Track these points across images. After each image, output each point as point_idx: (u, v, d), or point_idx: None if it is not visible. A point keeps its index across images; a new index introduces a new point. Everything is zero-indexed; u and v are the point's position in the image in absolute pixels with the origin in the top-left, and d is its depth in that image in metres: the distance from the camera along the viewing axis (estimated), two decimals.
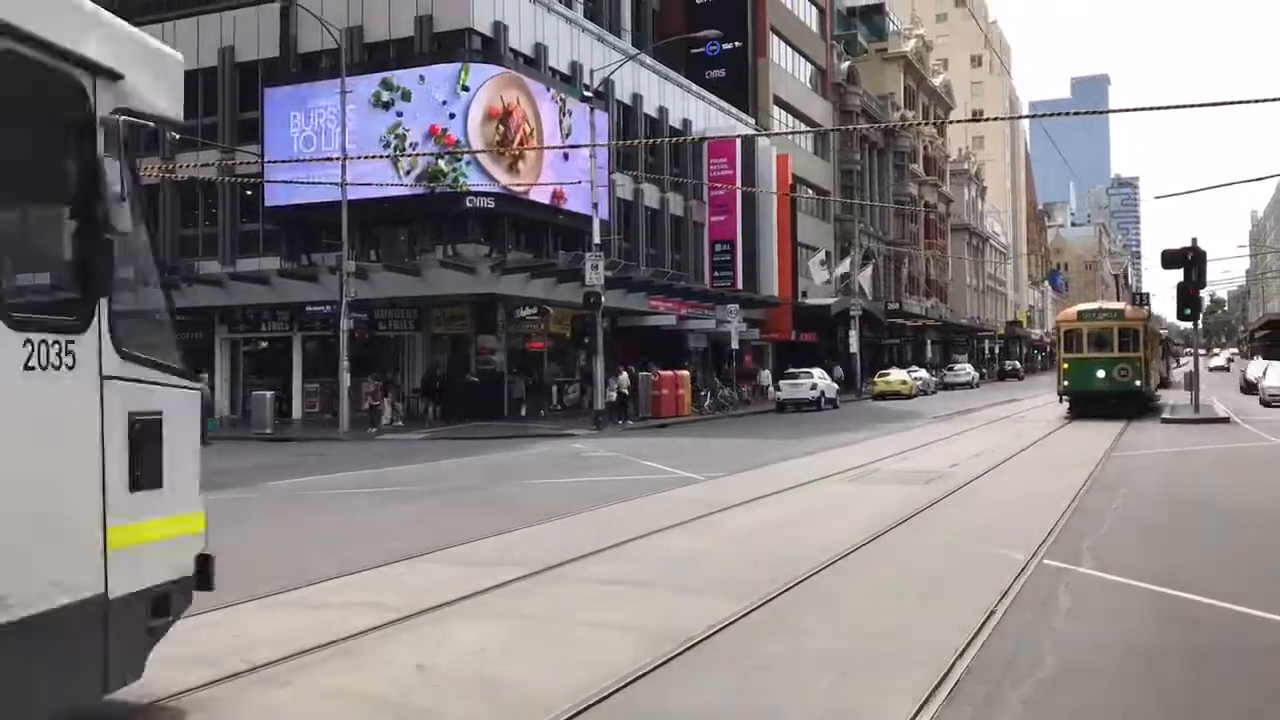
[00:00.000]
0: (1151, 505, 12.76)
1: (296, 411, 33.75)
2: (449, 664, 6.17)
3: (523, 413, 32.56)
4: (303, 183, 30.81)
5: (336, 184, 28.64)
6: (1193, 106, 16.73)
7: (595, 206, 30.70)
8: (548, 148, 32.43)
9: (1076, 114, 23.32)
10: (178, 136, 34.06)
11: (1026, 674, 5.89)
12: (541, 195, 33.26)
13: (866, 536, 10.21)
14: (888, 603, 7.74)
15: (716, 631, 6.81)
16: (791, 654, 6.38)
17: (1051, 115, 24.02)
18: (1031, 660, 6.14)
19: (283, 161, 31.57)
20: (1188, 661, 6.23)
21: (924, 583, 8.41)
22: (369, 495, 15.16)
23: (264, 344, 36.30)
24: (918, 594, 8.02)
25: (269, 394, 30.27)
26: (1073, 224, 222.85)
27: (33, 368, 4.07)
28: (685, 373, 35.90)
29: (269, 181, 32.87)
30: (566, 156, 33.77)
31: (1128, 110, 16.49)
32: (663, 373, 33.94)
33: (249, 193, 34.78)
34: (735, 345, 40.30)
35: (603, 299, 29.76)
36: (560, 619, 7.30)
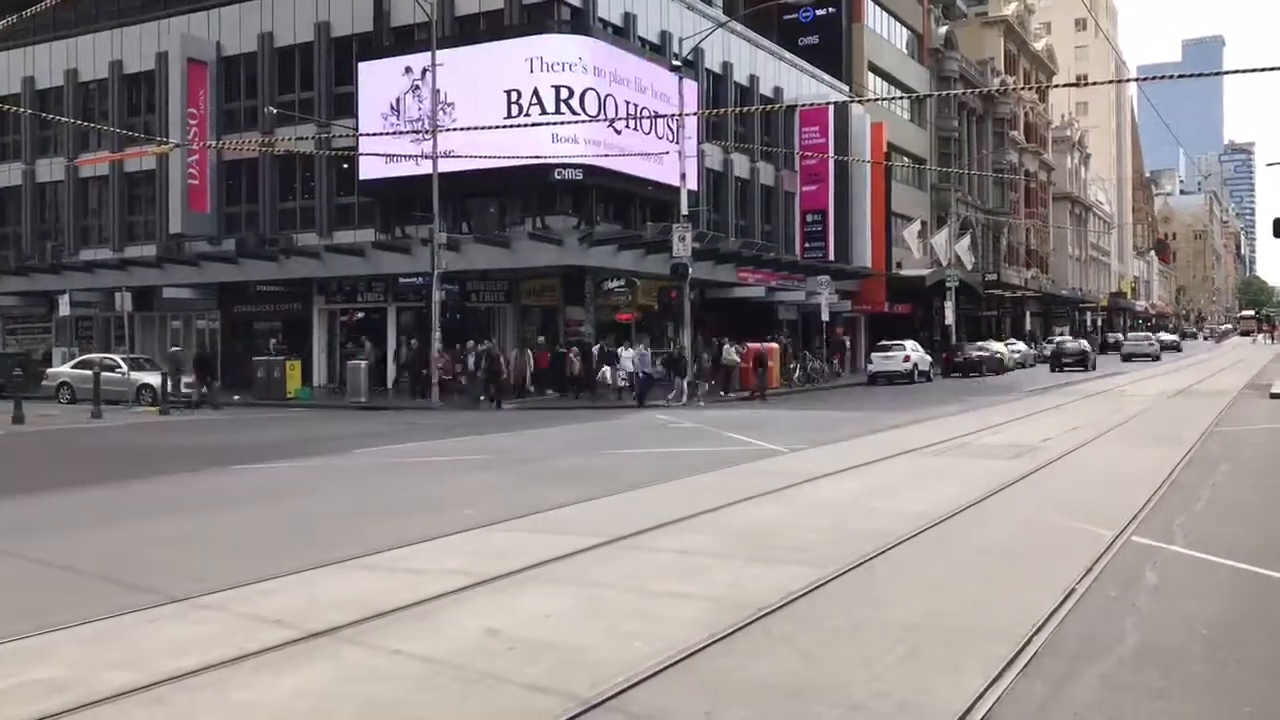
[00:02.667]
0: (1252, 482, 12.29)
1: (391, 380, 34.38)
2: (518, 630, 6.22)
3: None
4: (394, 155, 31.24)
5: (426, 156, 28.98)
6: None
7: (683, 177, 30.54)
8: (637, 117, 32.32)
9: (1184, 76, 22.40)
10: (275, 111, 34.91)
11: (1106, 651, 5.73)
12: (630, 166, 33.17)
13: (949, 511, 10.02)
14: (967, 577, 7.59)
15: (790, 602, 6.76)
16: (864, 626, 6.31)
17: (1158, 78, 23.05)
18: (1112, 637, 5.98)
19: (376, 135, 32.01)
20: (1277, 642, 5.99)
21: (1005, 558, 8.24)
22: (452, 463, 15.37)
23: (360, 314, 37.00)
24: (998, 569, 7.87)
25: (364, 363, 30.89)
26: (1181, 192, 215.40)
27: None
28: (774, 345, 35.62)
29: (363, 155, 33.37)
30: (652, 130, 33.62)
31: (1239, 72, 15.76)
32: (751, 345, 33.72)
33: (345, 166, 35.38)
34: (826, 317, 39.87)
35: (690, 270, 29.65)
36: (633, 588, 7.31)
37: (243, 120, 38.51)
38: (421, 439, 19.12)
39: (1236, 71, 15.47)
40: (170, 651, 5.84)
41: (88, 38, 42.01)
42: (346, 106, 35.16)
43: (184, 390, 29.20)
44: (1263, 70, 14.52)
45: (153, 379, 29.46)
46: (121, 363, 31.34)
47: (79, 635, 6.31)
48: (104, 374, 28.04)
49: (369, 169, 33.79)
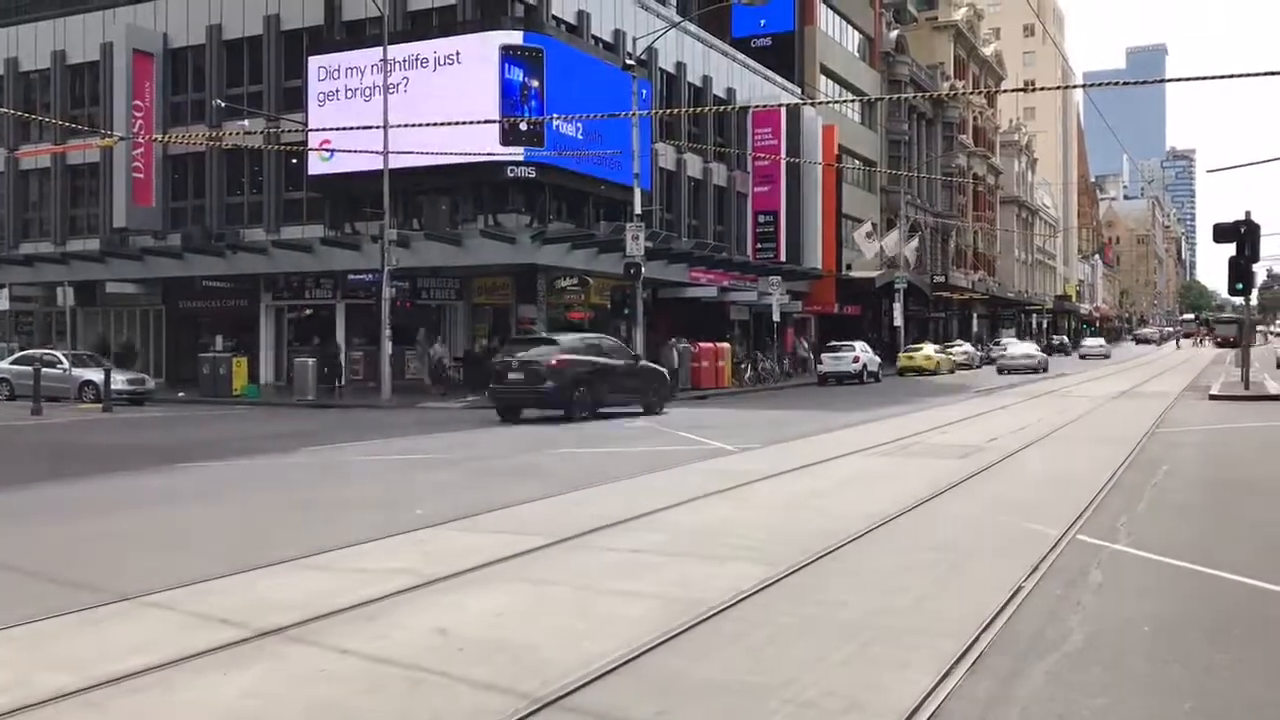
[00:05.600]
0: (1192, 483, 12.52)
1: (340, 378, 34.02)
2: (467, 630, 6.17)
3: None
4: (342, 150, 30.94)
5: (376, 151, 28.73)
6: (1250, 76, 16.31)
7: (637, 177, 30.55)
8: (590, 116, 32.27)
9: (1129, 84, 22.82)
10: (223, 104, 34.42)
11: (1052, 648, 5.80)
12: (583, 165, 33.13)
13: (898, 510, 10.10)
14: (915, 575, 7.64)
15: (740, 601, 6.76)
16: (814, 624, 6.33)
17: (1104, 85, 23.52)
18: (1058, 634, 6.05)
19: (326, 130, 31.67)
20: (1217, 639, 6.10)
21: (953, 557, 8.31)
22: (401, 462, 15.25)
23: (308, 311, 36.61)
24: (946, 567, 7.93)
25: (311, 361, 30.56)
26: (1125, 197, 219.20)
27: None
28: (725, 345, 35.76)
29: (312, 150, 33.03)
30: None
31: (1182, 80, 16.21)
32: (703, 344, 33.81)
33: (294, 161, 34.98)
34: (777, 317, 40.09)
35: (643, 270, 29.67)
36: (583, 587, 7.28)
37: (190, 113, 37.95)
38: (370, 437, 18.96)
39: (1179, 80, 15.76)
40: (112, 652, 5.72)
41: (29, 26, 41.18)
42: (296, 100, 34.78)
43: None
44: (1204, 79, 14.82)
45: (95, 375, 28.92)
46: (63, 358, 30.75)
47: (16, 636, 6.16)
48: (45, 370, 27.50)
49: (318, 164, 33.43)
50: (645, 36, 34.42)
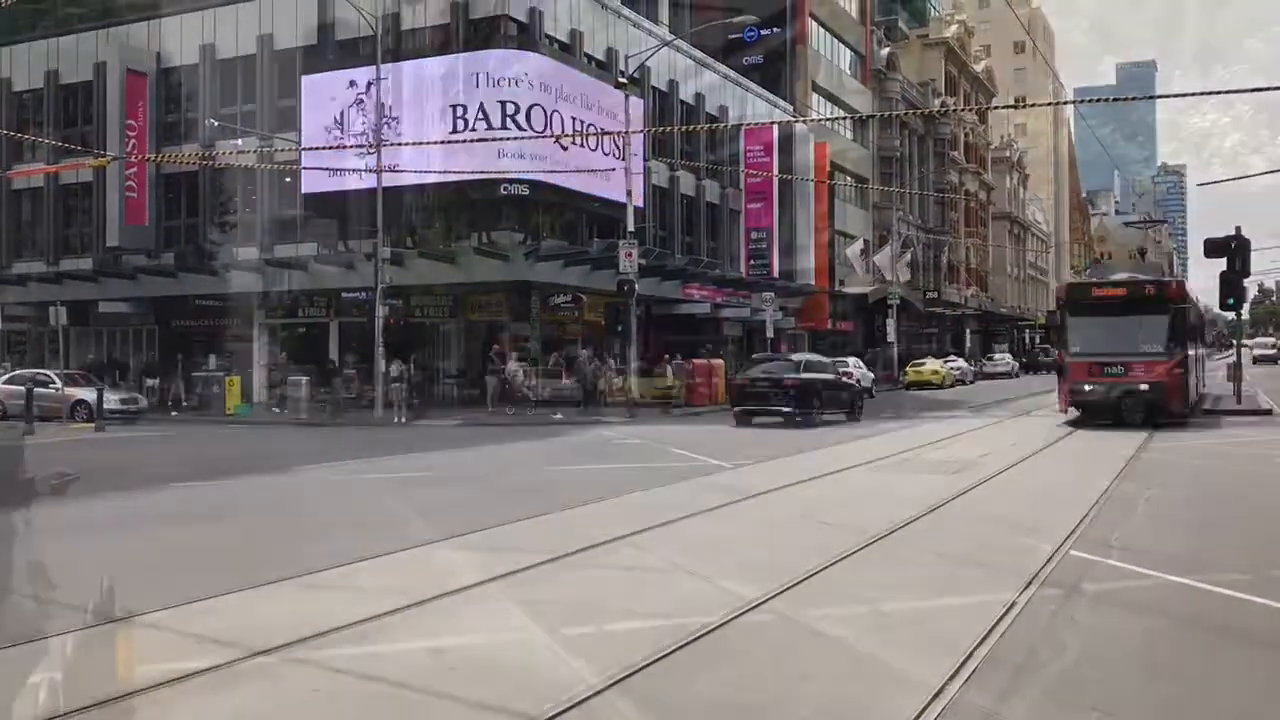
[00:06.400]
0: (1183, 498, 12.56)
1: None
2: (462, 649, 6.17)
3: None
4: (338, 169, 30.98)
5: (372, 170, 28.78)
6: (1238, 92, 16.42)
7: (629, 194, 30.61)
8: (583, 133, 32.35)
9: (1120, 99, 22.97)
10: (217, 124, 34.45)
11: (1047, 662, 5.82)
12: (576, 182, 33.17)
13: (891, 526, 10.11)
14: (909, 591, 7.65)
15: (735, 618, 6.76)
16: (810, 641, 6.34)
17: (1095, 101, 23.68)
18: (1053, 649, 6.06)
19: (320, 149, 31.70)
20: (1209, 652, 6.12)
21: (947, 572, 8.33)
22: (395, 481, 15.21)
23: (301, 329, 36.55)
24: (939, 583, 7.94)
25: (305, 379, 30.52)
26: (1117, 212, 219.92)
27: None
28: (719, 361, 35.79)
29: (305, 168, 33.05)
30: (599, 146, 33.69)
31: (1173, 96, 16.40)
32: (696, 361, 33.86)
33: (287, 179, 34.99)
34: (770, 333, 40.11)
35: (636, 286, 29.69)
36: (578, 605, 7.28)
37: (183, 132, 37.98)
38: (366, 456, 18.93)
39: (1168, 96, 15.88)
40: (106, 673, 5.71)
41: (23, 47, 41.19)
42: (289, 120, 34.80)
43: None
44: (1194, 95, 14.93)
45: (88, 394, 28.83)
46: (55, 378, 30.67)
47: (10, 657, 6.14)
48: (37, 390, 27.42)
49: (312, 183, 33.45)
50: (637, 55, 34.51)
